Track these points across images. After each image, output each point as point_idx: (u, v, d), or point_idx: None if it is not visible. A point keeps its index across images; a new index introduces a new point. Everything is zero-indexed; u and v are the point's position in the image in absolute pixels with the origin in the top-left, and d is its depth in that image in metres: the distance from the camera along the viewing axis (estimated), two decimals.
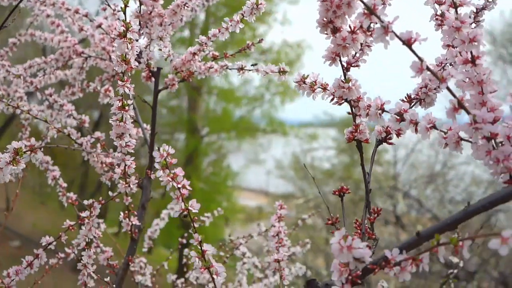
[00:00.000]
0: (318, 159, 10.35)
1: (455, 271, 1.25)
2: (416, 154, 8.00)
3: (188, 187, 0.74)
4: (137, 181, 1.04)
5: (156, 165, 0.73)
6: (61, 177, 1.27)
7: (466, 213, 0.59)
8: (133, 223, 1.11)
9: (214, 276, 0.76)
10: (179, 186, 0.74)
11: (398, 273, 0.60)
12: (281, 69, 1.00)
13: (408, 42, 0.60)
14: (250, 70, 1.08)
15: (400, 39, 0.60)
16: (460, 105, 0.60)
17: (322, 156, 10.40)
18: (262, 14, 1.03)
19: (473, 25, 0.83)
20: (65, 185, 1.23)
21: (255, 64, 1.07)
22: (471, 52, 0.63)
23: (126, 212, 1.10)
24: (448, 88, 0.60)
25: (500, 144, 0.61)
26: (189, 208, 0.75)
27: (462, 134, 0.66)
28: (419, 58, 0.60)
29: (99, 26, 1.21)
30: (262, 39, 1.18)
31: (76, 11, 1.21)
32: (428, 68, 0.59)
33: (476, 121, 0.59)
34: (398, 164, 7.77)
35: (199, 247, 0.76)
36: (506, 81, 9.37)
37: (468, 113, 0.60)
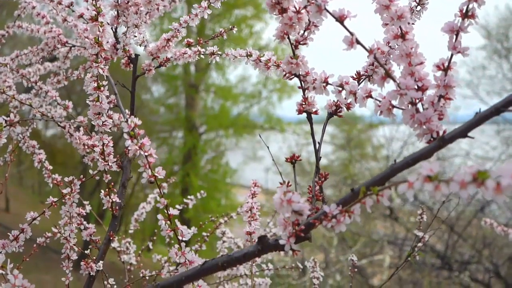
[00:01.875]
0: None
1: (420, 244, 1.32)
2: (411, 148, 8.06)
3: (155, 155, 0.81)
4: (115, 160, 1.11)
5: (125, 135, 0.80)
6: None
7: (393, 169, 0.66)
8: (114, 200, 1.18)
9: (179, 237, 0.83)
10: (146, 154, 0.81)
11: (334, 225, 0.67)
12: (249, 53, 1.07)
13: (340, 19, 0.67)
14: (220, 54, 1.15)
15: (333, 16, 0.67)
16: (387, 74, 0.68)
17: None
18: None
19: (418, 7, 0.90)
20: (50, 167, 1.30)
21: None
22: (400, 28, 0.70)
23: (107, 189, 1.17)
24: (376, 59, 0.67)
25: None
26: (156, 174, 0.82)
27: (395, 102, 0.73)
28: (350, 33, 0.67)
29: (81, 16, 1.28)
30: (234, 27, 1.25)
31: (59, 2, 1.28)
32: (357, 42, 0.67)
33: (400, 88, 0.66)
34: (392, 157, 7.84)
35: (166, 211, 0.83)
36: (501, 75, 9.43)
37: (394, 81, 0.67)
